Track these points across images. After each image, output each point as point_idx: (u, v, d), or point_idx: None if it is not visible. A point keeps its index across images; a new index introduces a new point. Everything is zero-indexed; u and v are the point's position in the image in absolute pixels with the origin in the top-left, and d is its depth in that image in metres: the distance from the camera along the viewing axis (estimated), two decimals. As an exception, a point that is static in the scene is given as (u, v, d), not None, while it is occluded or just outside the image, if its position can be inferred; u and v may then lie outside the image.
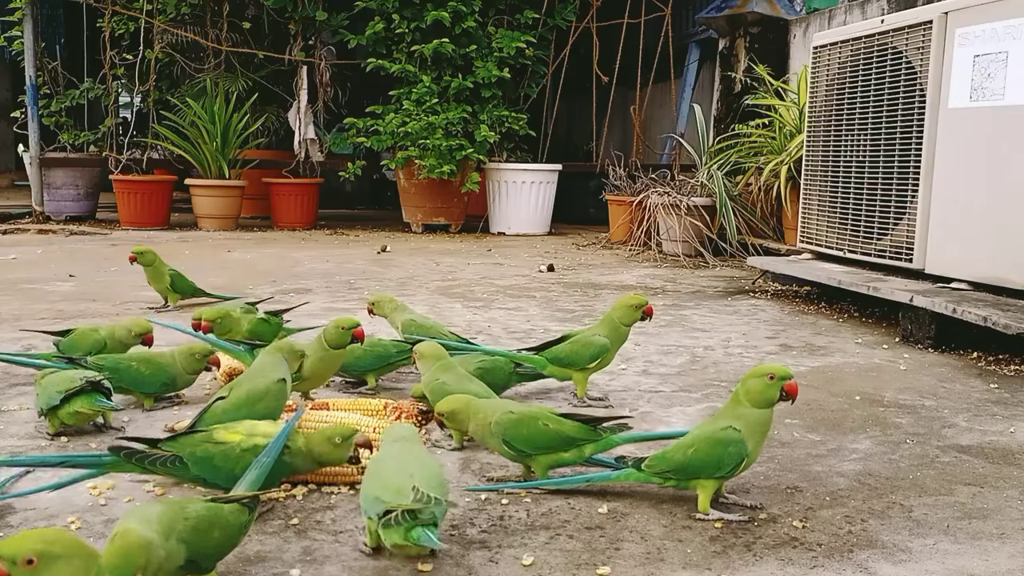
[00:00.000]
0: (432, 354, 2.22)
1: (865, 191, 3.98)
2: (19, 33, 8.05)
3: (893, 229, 3.80)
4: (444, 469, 1.63)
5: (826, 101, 4.33)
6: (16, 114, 8.26)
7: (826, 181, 4.32)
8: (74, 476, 1.65)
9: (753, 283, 5.00)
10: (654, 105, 8.64)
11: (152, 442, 1.69)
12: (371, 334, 2.64)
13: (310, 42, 8.25)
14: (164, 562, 1.23)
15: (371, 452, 1.74)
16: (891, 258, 3.81)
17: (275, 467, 1.64)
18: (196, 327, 2.65)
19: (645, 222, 6.39)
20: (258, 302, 3.28)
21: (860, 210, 4.02)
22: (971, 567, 1.53)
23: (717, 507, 1.75)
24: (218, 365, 2.46)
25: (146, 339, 2.58)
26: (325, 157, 8.42)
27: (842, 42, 4.18)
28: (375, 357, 2.52)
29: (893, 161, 3.79)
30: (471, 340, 2.80)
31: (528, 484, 1.84)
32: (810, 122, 4.51)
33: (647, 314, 2.43)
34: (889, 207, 3.81)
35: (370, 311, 2.85)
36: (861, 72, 4.02)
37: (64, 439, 2.09)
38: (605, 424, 1.91)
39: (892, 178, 3.80)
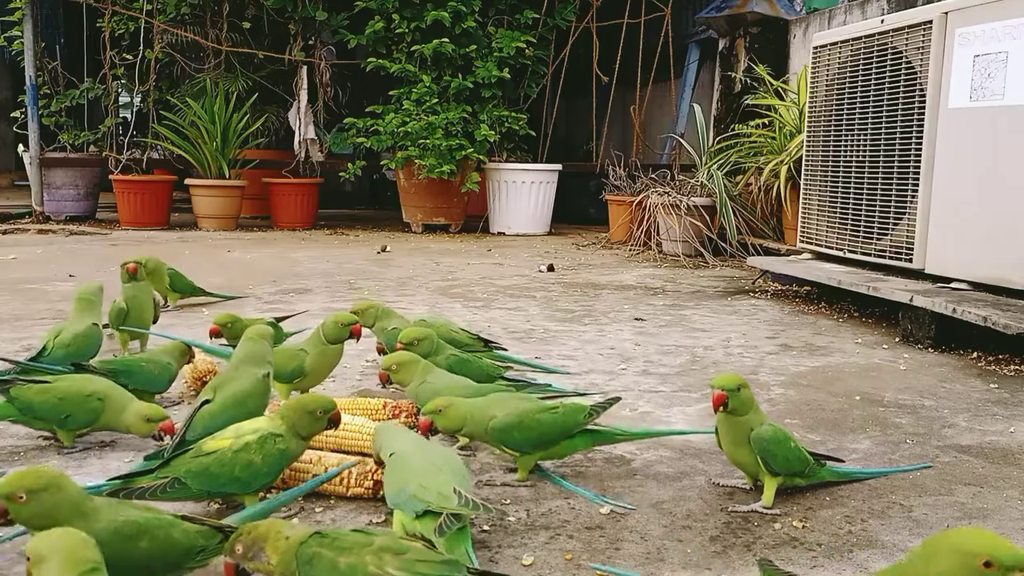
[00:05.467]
0: (409, 361, 2.15)
1: (865, 191, 3.98)
2: (19, 33, 8.05)
3: (893, 229, 3.80)
4: (462, 460, 1.65)
5: (826, 101, 4.33)
6: (16, 114, 8.26)
7: (826, 181, 4.32)
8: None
9: (753, 283, 5.00)
10: (654, 105, 8.64)
11: (147, 471, 1.67)
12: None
13: (310, 42, 8.25)
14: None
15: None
16: (891, 258, 3.81)
17: (276, 460, 1.67)
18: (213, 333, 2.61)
19: (645, 222, 6.39)
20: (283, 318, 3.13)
21: (860, 210, 4.02)
22: (971, 567, 1.53)
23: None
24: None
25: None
26: (325, 157, 8.42)
27: (842, 42, 4.18)
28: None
29: (893, 161, 3.79)
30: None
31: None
32: (810, 122, 4.51)
33: None
34: (889, 207, 3.81)
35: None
36: (861, 72, 4.01)
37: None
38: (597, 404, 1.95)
39: (892, 178, 3.79)
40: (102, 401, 2.00)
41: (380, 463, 1.69)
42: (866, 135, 3.98)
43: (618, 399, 2.08)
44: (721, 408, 1.76)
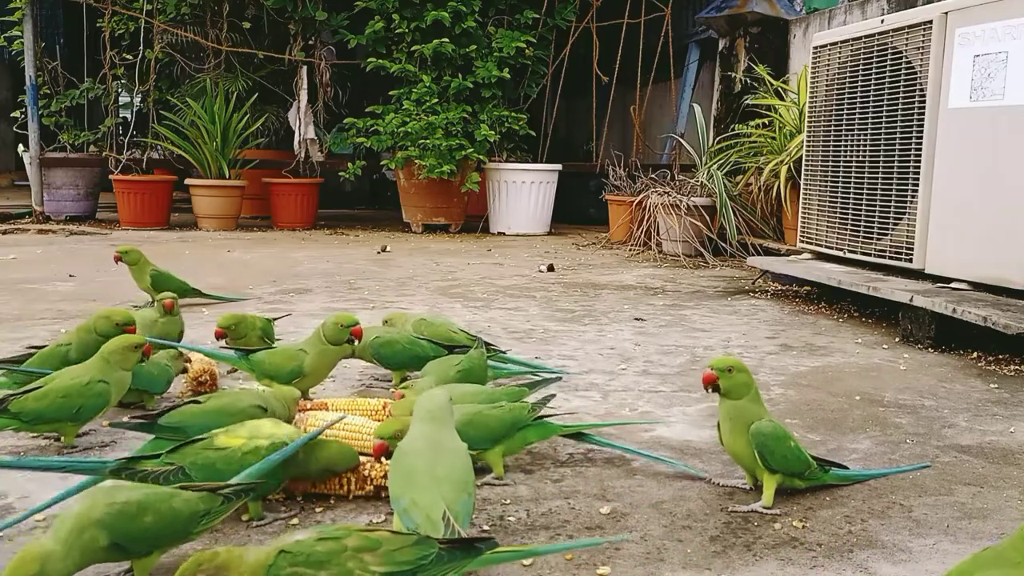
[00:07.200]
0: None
1: (865, 191, 3.98)
2: (19, 33, 8.05)
3: (893, 229, 3.80)
4: (471, 462, 1.56)
5: (826, 101, 4.33)
6: (16, 114, 8.26)
7: (826, 181, 4.32)
8: (79, 484, 1.63)
9: (753, 283, 5.00)
10: (654, 105, 8.64)
11: (155, 455, 1.67)
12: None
13: (310, 42, 8.25)
14: (78, 554, 1.28)
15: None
16: (891, 258, 3.81)
17: (285, 463, 1.66)
18: (219, 335, 2.61)
19: (645, 222, 6.39)
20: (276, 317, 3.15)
21: (860, 210, 4.02)
22: (971, 567, 1.53)
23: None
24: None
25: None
26: (325, 157, 8.42)
27: (842, 42, 4.18)
28: (412, 356, 2.52)
29: (893, 161, 3.79)
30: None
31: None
32: (810, 122, 4.51)
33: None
34: (889, 207, 3.81)
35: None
36: (861, 72, 4.02)
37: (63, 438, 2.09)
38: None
39: (892, 178, 3.80)
40: (107, 383, 2.00)
41: (380, 455, 1.67)
42: (866, 135, 3.98)
43: (553, 395, 2.13)
44: (710, 388, 1.79)
